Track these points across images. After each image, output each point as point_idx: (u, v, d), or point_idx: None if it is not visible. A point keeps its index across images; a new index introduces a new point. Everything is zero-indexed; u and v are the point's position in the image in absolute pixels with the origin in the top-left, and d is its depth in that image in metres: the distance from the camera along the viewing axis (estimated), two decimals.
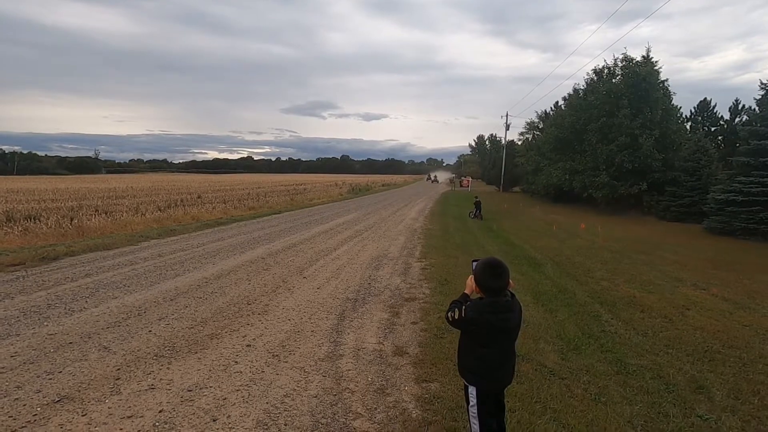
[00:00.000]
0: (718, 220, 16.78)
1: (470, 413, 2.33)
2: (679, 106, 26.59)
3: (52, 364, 3.64)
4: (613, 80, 26.05)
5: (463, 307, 2.20)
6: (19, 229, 11.08)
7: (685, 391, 3.73)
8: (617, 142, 23.87)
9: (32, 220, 12.83)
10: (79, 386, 3.30)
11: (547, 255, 10.40)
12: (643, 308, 6.22)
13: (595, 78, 27.49)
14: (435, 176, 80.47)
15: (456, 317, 2.21)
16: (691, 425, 3.19)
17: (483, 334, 2.21)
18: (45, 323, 4.53)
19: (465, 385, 2.37)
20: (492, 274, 2.21)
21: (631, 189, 23.77)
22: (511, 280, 2.25)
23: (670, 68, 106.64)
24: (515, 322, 2.24)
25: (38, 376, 3.42)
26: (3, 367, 3.53)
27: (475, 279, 2.26)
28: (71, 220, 12.73)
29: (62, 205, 17.80)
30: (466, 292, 2.31)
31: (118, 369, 3.60)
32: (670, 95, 25.30)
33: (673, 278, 8.42)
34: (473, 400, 2.30)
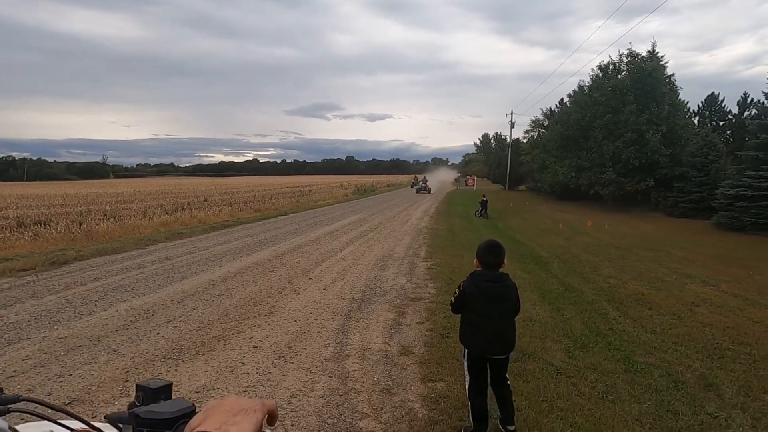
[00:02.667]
0: (727, 216, 16.57)
1: (465, 369, 2.87)
2: (686, 101, 26.34)
3: (62, 367, 3.69)
4: (619, 76, 25.83)
5: (462, 282, 2.76)
6: (30, 234, 11.24)
7: (695, 388, 3.70)
8: (623, 139, 23.67)
9: (42, 225, 13.02)
10: (89, 389, 3.34)
11: (553, 253, 10.34)
12: (651, 305, 6.16)
13: (601, 74, 27.27)
14: (425, 181, 41.75)
15: (456, 294, 2.77)
16: (700, 423, 3.16)
17: (476, 301, 2.70)
18: (55, 327, 4.59)
19: (462, 348, 2.89)
20: (490, 252, 2.73)
21: (638, 185, 23.56)
22: (506, 262, 2.78)
23: (678, 63, 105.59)
24: (505, 295, 2.72)
25: (49, 379, 3.47)
26: (15, 371, 3.58)
27: (477, 254, 2.78)
28: (80, 224, 12.89)
29: (71, 210, 18.04)
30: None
31: (127, 371, 3.65)
32: (676, 90, 25.05)
33: (682, 275, 8.34)
34: (465, 360, 2.83)
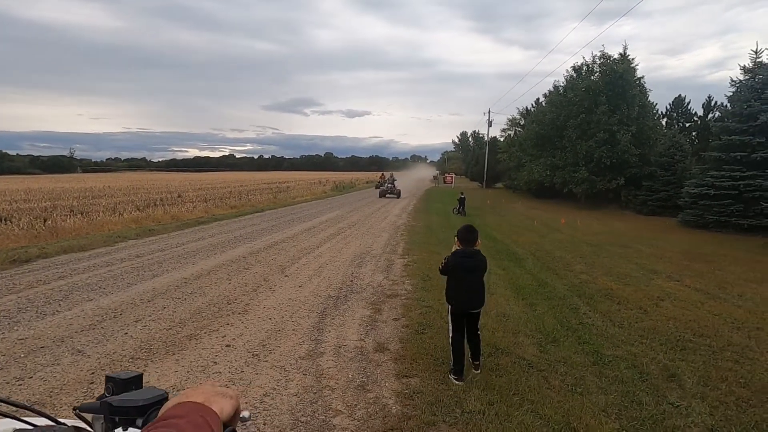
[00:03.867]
0: (691, 214, 17.29)
1: (449, 321, 3.75)
2: (655, 103, 27.29)
3: (22, 369, 3.53)
4: (592, 77, 26.54)
5: (446, 257, 3.72)
6: None
7: (658, 379, 3.85)
8: (596, 138, 24.36)
9: (3, 221, 12.39)
10: (51, 391, 3.21)
11: (528, 250, 10.56)
12: (619, 300, 6.37)
13: (575, 75, 27.97)
14: (392, 180, 29.51)
15: (443, 264, 3.71)
16: (662, 412, 3.29)
17: (456, 272, 3.65)
18: (15, 327, 4.39)
19: (447, 305, 3.78)
20: (467, 231, 3.74)
21: (609, 184, 24.30)
22: (479, 241, 3.75)
23: (648, 65, 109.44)
24: (478, 266, 3.67)
25: (7, 383, 3.31)
26: None
27: (457, 234, 3.77)
28: (45, 221, 12.33)
29: (35, 205, 17.24)
30: (452, 250, 3.76)
31: (92, 373, 3.52)
32: (646, 92, 25.92)
33: (649, 270, 8.65)
34: (450, 315, 3.74)
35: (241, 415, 0.72)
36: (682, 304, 6.27)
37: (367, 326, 4.80)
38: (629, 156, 23.53)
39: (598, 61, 26.51)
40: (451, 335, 3.70)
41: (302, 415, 3.02)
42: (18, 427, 0.78)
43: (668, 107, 32.16)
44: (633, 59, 25.54)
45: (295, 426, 2.89)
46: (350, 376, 3.62)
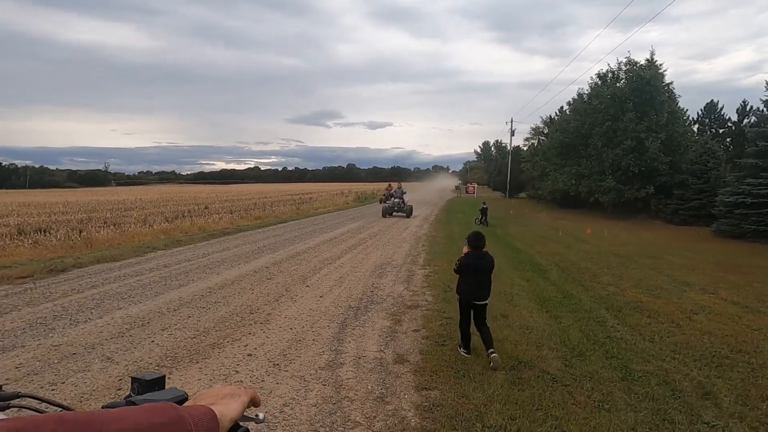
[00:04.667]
0: (727, 223, 16.56)
1: (458, 310, 4.40)
2: (685, 109, 26.46)
3: (55, 375, 3.68)
4: (618, 84, 26.00)
5: (459, 258, 4.42)
6: (30, 241, 11.26)
7: (692, 397, 3.67)
8: (623, 146, 23.75)
9: (42, 232, 13.04)
10: (81, 396, 3.33)
11: (552, 260, 10.32)
12: (649, 313, 6.13)
13: (599, 82, 27.46)
14: (401, 195, 20.43)
15: (456, 265, 4.40)
16: None
17: (467, 271, 4.33)
18: (50, 334, 4.58)
19: (457, 297, 4.43)
20: (476, 238, 4.42)
21: (638, 193, 23.58)
22: (486, 244, 4.46)
23: (678, 71, 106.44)
24: (485, 266, 4.32)
25: (41, 387, 3.45)
26: (8, 379, 3.57)
27: (467, 240, 4.48)
28: (80, 232, 12.91)
29: (72, 217, 18.07)
30: (464, 252, 4.47)
31: (120, 379, 3.63)
32: (675, 98, 25.20)
33: (681, 282, 8.30)
34: (459, 304, 4.39)
35: (255, 416, 0.75)
36: (718, 318, 5.98)
37: (387, 337, 4.78)
38: (659, 164, 22.81)
39: (624, 68, 26.01)
40: (459, 320, 4.41)
41: (321, 425, 3.02)
42: None
43: (700, 113, 31.13)
44: (661, 65, 24.96)
45: None
46: (369, 387, 3.61)
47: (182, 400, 0.72)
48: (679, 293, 7.41)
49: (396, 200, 20.27)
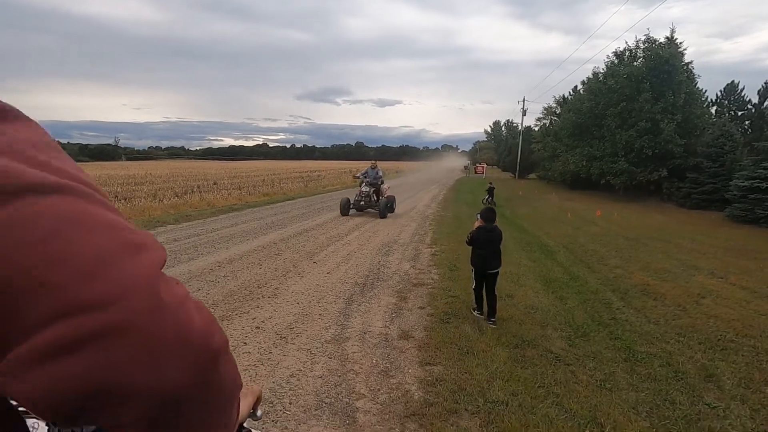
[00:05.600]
0: (740, 208, 16.26)
1: (472, 278, 4.83)
2: (704, 90, 25.65)
3: None
4: (635, 63, 25.20)
5: (471, 232, 4.74)
6: None
7: (695, 379, 3.69)
8: (637, 128, 23.21)
9: None
10: None
11: (560, 242, 10.27)
12: (656, 296, 6.12)
13: (616, 61, 26.64)
14: (376, 176, 13.36)
15: (469, 237, 4.72)
16: (698, 413, 3.16)
17: (479, 242, 4.67)
18: None
19: (471, 268, 4.83)
20: (488, 212, 4.83)
21: (650, 175, 23.16)
22: (497, 219, 4.84)
23: (700, 50, 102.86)
24: (495, 238, 4.67)
25: None
26: None
27: (480, 214, 4.82)
28: None
29: None
30: (475, 226, 4.77)
31: None
32: (694, 78, 24.39)
33: (690, 266, 8.24)
34: (473, 274, 4.80)
35: (252, 413, 0.73)
36: (726, 302, 5.95)
37: (392, 314, 4.83)
38: (673, 146, 22.29)
39: (642, 46, 25.14)
40: (473, 286, 4.84)
41: (326, 396, 3.09)
42: None
43: (719, 94, 30.17)
44: (681, 43, 24.08)
45: (319, 407, 2.97)
46: (374, 361, 3.67)
47: None
48: (687, 277, 7.36)
49: (365, 189, 13.17)
